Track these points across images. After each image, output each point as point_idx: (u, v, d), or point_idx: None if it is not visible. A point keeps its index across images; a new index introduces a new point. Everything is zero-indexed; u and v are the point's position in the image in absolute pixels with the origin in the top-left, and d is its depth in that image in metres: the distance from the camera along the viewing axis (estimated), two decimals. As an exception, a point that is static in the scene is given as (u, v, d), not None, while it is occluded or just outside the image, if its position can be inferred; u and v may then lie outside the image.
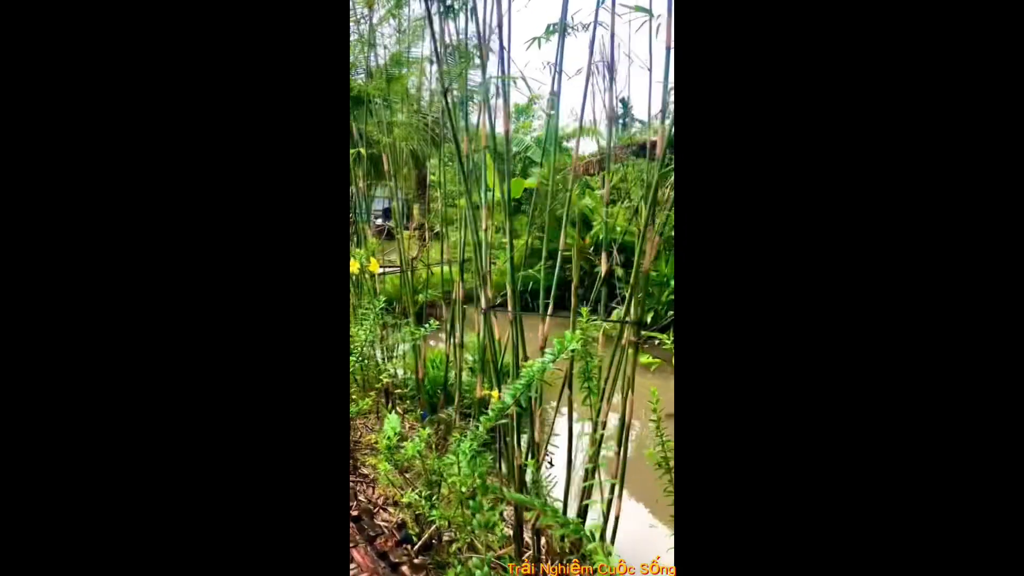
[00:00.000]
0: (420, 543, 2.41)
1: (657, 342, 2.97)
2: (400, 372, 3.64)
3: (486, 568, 1.78)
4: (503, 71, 2.32)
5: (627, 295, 2.14)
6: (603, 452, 2.19)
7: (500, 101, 2.42)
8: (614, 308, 2.65)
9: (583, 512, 2.24)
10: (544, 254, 2.50)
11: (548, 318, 2.33)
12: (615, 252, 3.40)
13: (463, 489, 2.15)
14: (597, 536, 1.51)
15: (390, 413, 3.16)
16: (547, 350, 1.64)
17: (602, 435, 2.17)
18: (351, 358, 3.48)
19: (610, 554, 1.46)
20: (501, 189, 2.59)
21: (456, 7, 2.68)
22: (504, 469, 2.55)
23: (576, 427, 2.41)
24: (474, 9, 2.39)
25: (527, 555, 2.34)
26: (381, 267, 3.77)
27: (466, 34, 2.75)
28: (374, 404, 3.34)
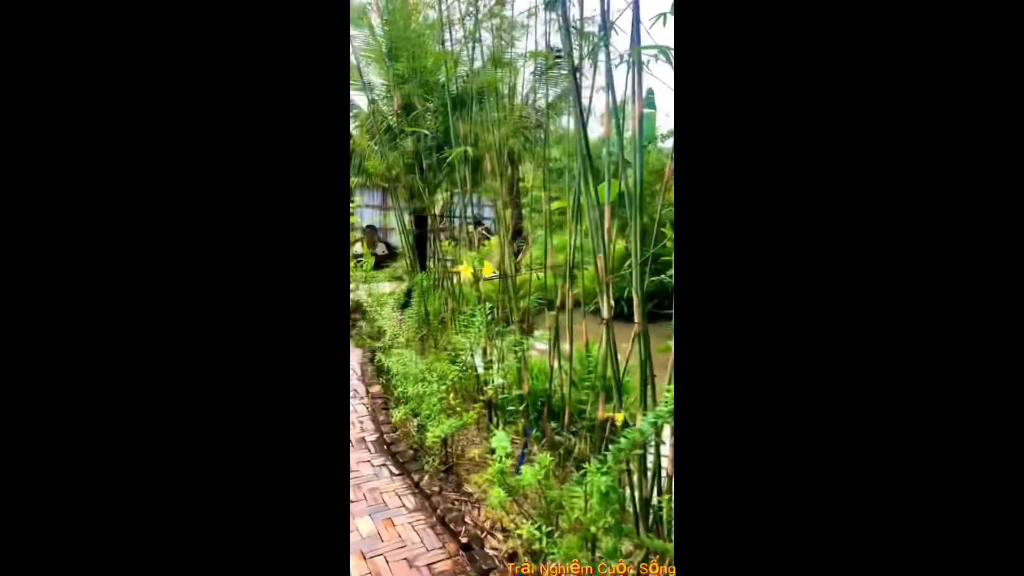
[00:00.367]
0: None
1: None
2: (502, 382, 3.43)
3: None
4: (636, 45, 2.02)
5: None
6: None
7: (626, 90, 2.14)
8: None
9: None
10: (637, 259, 2.14)
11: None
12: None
13: (592, 529, 1.89)
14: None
15: (496, 429, 2.95)
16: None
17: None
18: (454, 367, 3.34)
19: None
20: (607, 190, 2.33)
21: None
22: (632, 503, 2.25)
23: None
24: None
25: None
26: (484, 274, 3.60)
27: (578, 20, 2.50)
28: (476, 416, 3.15)
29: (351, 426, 3.47)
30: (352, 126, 6.53)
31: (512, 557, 2.30)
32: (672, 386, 1.86)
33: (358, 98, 6.47)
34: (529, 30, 4.03)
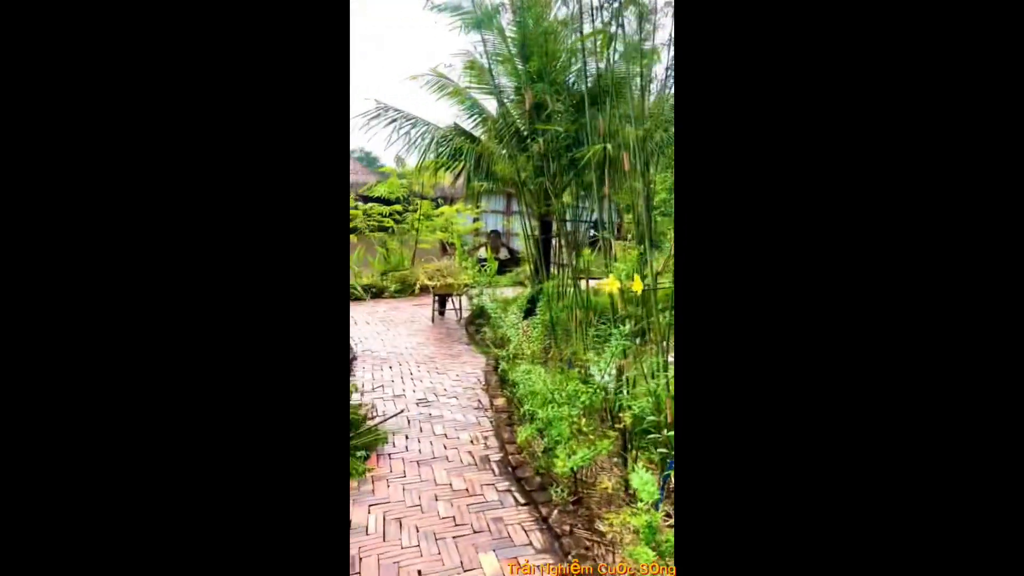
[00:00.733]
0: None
1: None
2: (640, 408, 3.05)
3: None
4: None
5: None
6: None
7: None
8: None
9: None
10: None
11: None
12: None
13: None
14: None
15: (636, 467, 2.60)
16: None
17: None
18: (587, 388, 3.04)
19: None
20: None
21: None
22: None
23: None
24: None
25: None
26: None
27: None
28: (613, 445, 2.81)
29: (475, 442, 3.33)
30: (480, 131, 6.54)
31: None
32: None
33: (487, 102, 6.46)
34: (668, 16, 3.61)
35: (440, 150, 6.06)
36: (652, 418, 2.81)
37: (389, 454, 3.12)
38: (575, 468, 2.59)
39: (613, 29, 3.57)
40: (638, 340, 3.26)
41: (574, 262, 4.69)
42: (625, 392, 3.15)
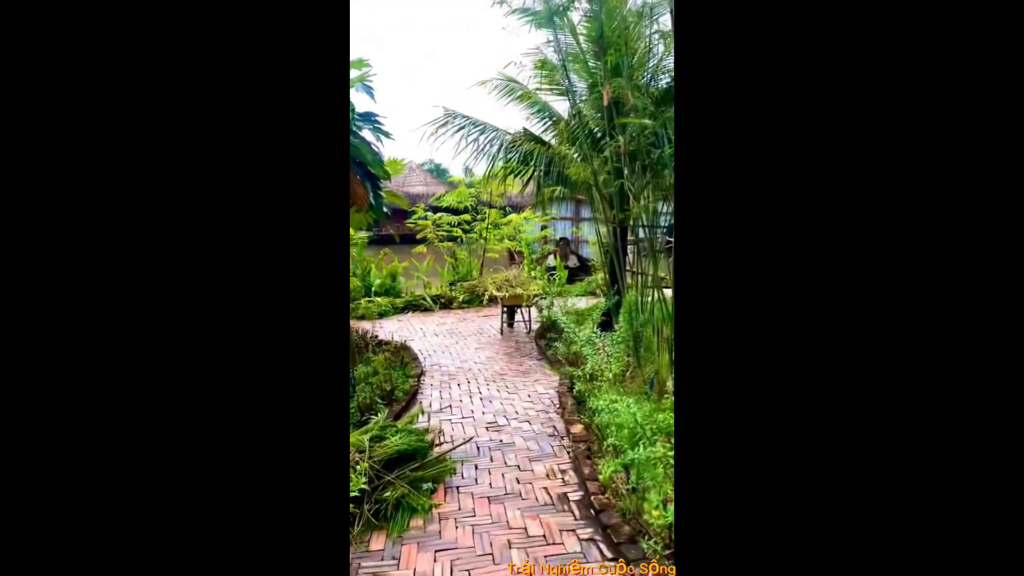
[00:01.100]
0: None
1: None
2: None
3: None
4: None
5: None
6: None
7: None
8: None
9: None
10: None
11: None
12: None
13: None
14: None
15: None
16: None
17: None
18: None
19: None
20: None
21: None
22: None
23: None
24: None
25: None
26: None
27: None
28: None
29: (552, 476, 2.98)
30: (550, 135, 6.24)
31: None
32: None
33: (557, 104, 6.15)
34: None
35: (509, 156, 5.80)
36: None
37: (457, 487, 2.84)
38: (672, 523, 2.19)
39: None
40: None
41: (652, 270, 4.25)
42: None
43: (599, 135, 5.47)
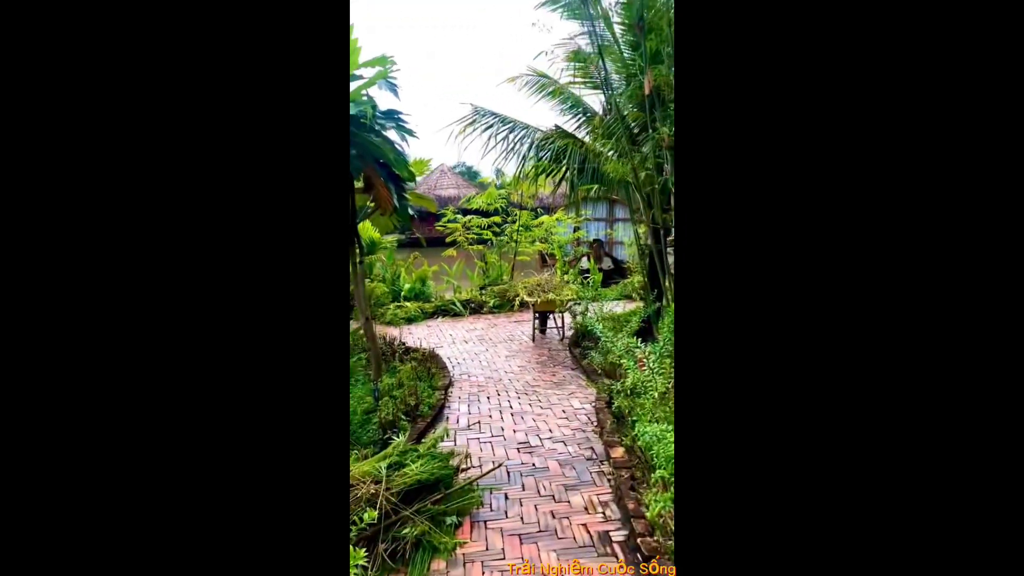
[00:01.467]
0: None
1: None
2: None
3: None
4: None
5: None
6: None
7: None
8: None
9: None
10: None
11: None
12: None
13: None
14: None
15: None
16: None
17: None
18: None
19: None
20: None
21: None
22: None
23: None
24: None
25: None
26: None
27: None
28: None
29: (591, 509, 2.65)
30: (584, 132, 5.90)
31: None
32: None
33: (591, 99, 5.81)
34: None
35: (540, 154, 5.49)
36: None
37: (485, 521, 2.55)
38: None
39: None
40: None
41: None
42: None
43: (637, 130, 5.10)
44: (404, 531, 2.26)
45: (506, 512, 2.63)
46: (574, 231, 10.52)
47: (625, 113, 5.05)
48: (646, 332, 5.12)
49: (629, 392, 3.69)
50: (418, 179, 15.91)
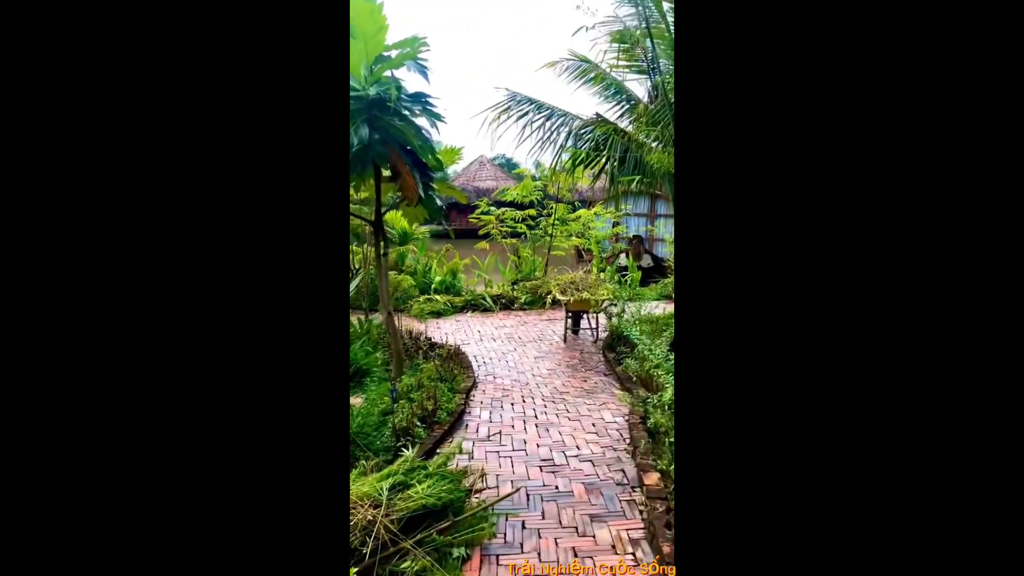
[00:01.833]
0: None
1: None
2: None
3: None
4: None
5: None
6: None
7: None
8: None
9: None
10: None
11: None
12: None
13: None
14: None
15: None
16: None
17: None
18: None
19: None
20: None
21: None
22: None
23: None
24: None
25: None
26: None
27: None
28: None
29: (620, 546, 2.32)
30: (626, 122, 5.50)
31: None
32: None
33: (635, 86, 5.39)
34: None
35: (578, 144, 5.12)
36: None
37: (497, 556, 2.26)
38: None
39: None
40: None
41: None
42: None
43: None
44: (403, 565, 2.00)
45: (522, 545, 2.33)
46: (613, 226, 10.07)
47: (673, 99, 4.62)
48: (687, 339, 4.72)
49: (667, 407, 3.33)
50: (456, 170, 15.73)
